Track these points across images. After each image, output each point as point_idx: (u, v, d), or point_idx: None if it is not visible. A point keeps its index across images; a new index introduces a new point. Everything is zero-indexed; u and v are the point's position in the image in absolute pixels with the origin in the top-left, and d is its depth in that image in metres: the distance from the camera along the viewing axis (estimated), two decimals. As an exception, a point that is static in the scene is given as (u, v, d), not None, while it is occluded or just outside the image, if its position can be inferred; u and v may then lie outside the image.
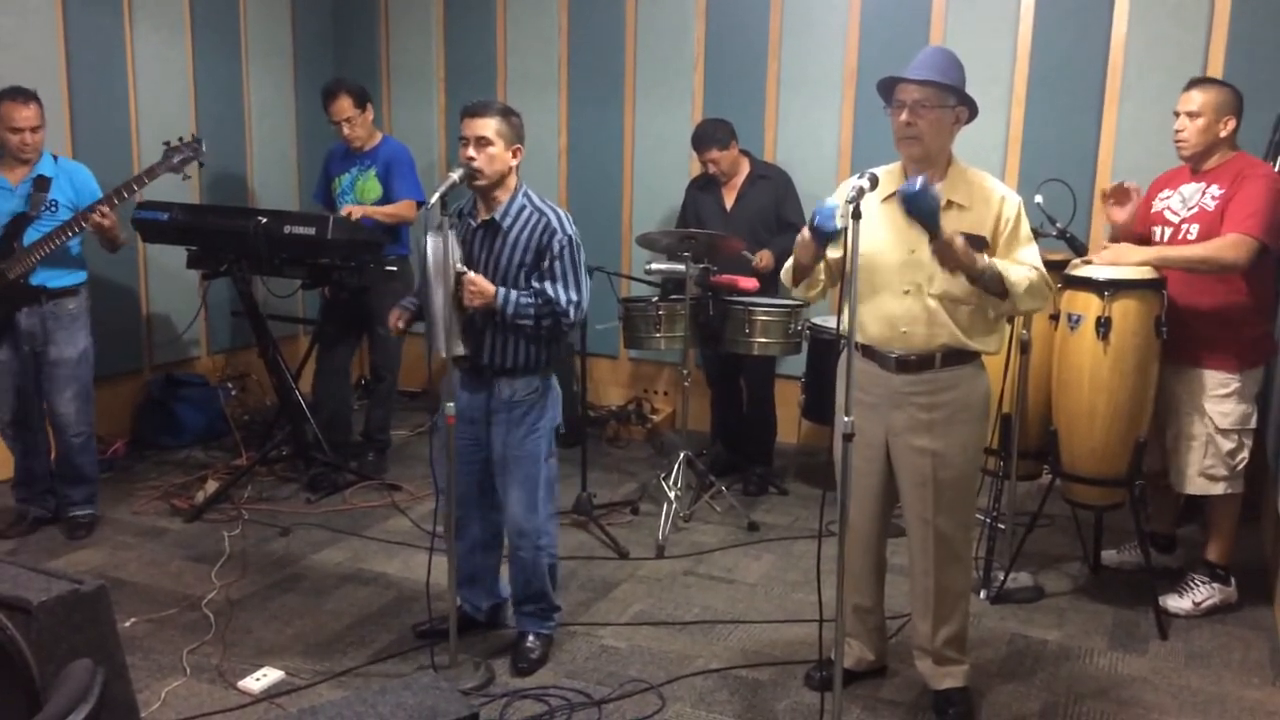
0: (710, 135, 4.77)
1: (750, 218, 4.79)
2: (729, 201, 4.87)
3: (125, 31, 5.22)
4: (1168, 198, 3.62)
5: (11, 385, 4.15)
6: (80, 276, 4.19)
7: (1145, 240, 3.63)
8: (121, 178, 4.19)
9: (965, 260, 2.63)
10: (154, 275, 5.45)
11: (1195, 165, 3.56)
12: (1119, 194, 3.73)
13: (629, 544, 4.19)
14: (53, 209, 4.03)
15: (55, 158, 4.14)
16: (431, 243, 2.99)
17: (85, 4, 4.99)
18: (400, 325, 3.26)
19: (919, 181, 2.60)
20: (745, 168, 4.89)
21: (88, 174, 4.18)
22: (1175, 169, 3.70)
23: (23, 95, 3.98)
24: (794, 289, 3.00)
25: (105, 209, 3.98)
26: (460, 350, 3.05)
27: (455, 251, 2.98)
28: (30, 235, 3.98)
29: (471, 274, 2.99)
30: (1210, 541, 3.70)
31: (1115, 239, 3.76)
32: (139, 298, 5.43)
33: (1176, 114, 3.53)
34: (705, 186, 4.96)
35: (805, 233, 2.79)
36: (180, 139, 4.24)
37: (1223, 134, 3.48)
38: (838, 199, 2.68)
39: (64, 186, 4.08)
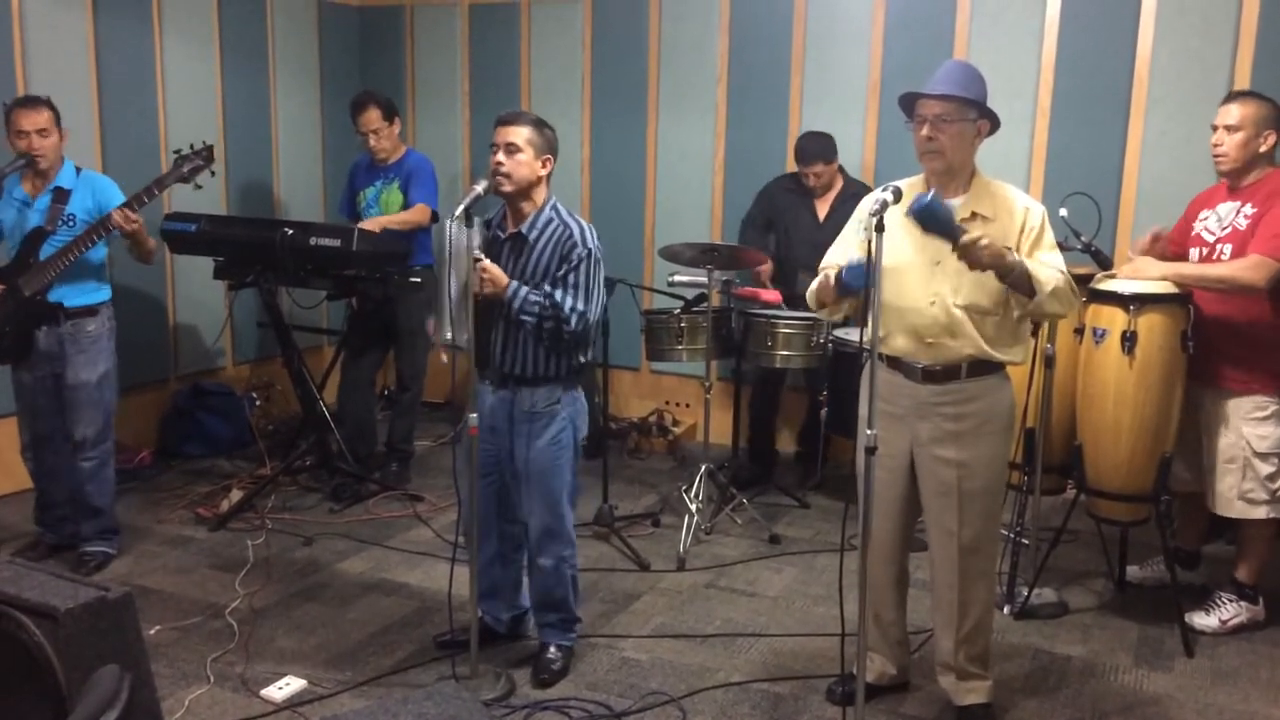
0: (817, 150, 4.81)
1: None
2: (822, 214, 4.89)
3: (155, 46, 5.29)
4: (1205, 218, 3.57)
5: (31, 407, 3.99)
6: (102, 295, 3.98)
7: (1182, 260, 3.57)
8: (150, 193, 4.16)
9: (993, 257, 2.61)
10: (181, 285, 5.51)
11: (1233, 182, 3.50)
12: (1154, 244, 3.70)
13: (650, 556, 4.19)
14: (70, 223, 3.84)
15: (79, 170, 3.95)
16: (452, 230, 3.01)
17: (116, 19, 5.06)
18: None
19: (928, 195, 2.60)
20: (839, 182, 4.93)
21: (111, 185, 3.97)
22: (1213, 187, 3.65)
23: (32, 102, 3.81)
24: (816, 310, 3.04)
25: (129, 211, 3.78)
26: (462, 336, 3.06)
27: (475, 240, 2.99)
28: (46, 251, 3.80)
29: (487, 262, 3.01)
30: (1241, 561, 3.65)
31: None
32: (166, 308, 5.48)
33: (1214, 128, 3.46)
34: (796, 190, 4.99)
35: (830, 278, 2.83)
36: (191, 146, 4.08)
37: (1263, 149, 3.42)
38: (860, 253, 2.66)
39: (84, 199, 3.89)
